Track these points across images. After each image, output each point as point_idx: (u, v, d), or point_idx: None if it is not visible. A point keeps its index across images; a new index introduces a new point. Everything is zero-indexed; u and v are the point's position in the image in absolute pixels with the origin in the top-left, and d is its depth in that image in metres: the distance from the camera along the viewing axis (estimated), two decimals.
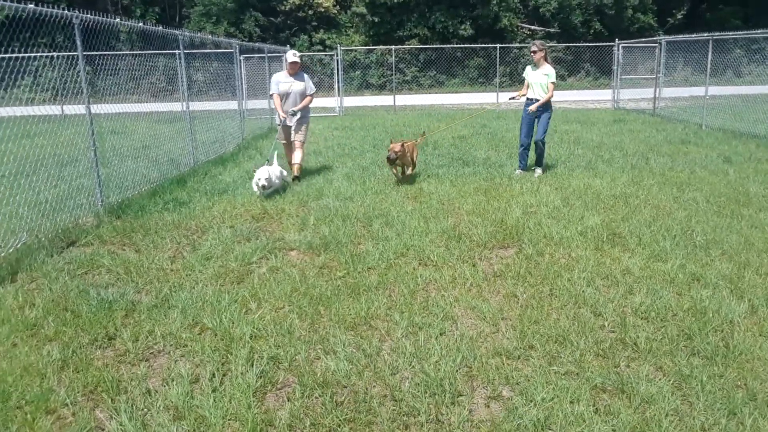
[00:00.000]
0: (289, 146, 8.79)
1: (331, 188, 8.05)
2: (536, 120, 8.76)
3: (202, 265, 5.13)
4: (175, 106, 11.97)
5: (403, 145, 8.21)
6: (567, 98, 23.30)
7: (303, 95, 8.56)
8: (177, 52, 9.97)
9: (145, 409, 3.03)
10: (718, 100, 16.75)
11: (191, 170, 9.65)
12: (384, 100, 24.13)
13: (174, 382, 3.25)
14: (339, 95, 20.29)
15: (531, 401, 3.01)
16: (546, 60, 8.68)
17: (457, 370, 3.32)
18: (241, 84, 14.94)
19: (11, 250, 5.39)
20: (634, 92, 21.40)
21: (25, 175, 8.67)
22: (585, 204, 6.94)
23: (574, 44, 27.35)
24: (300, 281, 4.69)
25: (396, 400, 3.07)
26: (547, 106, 8.68)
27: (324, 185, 8.26)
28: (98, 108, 7.80)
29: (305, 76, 8.64)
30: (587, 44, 26.93)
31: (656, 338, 3.67)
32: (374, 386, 3.22)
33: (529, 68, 8.83)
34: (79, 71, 6.74)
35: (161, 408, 3.03)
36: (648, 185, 7.96)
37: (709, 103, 15.31)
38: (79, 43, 6.57)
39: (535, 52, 8.64)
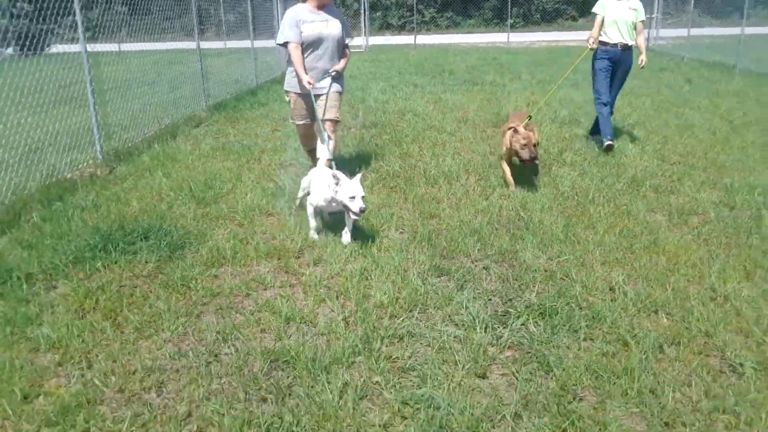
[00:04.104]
0: (309, 129, 5.60)
1: (370, 97, 10.60)
2: (613, 71, 6.76)
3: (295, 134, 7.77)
4: (244, 43, 14.22)
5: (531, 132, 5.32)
6: (576, 38, 25.29)
7: (341, 44, 5.36)
8: None
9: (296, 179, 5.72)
10: (711, 39, 18.68)
11: (257, 87, 12.24)
12: (404, 39, 26.29)
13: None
14: (365, 34, 22.53)
15: (501, 182, 5.65)
16: None
17: (459, 168, 5.97)
18: (278, 23, 17.36)
19: (163, 126, 8.07)
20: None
21: (127, 89, 11.27)
22: (562, 105, 9.45)
23: None
24: (359, 141, 7.32)
25: (426, 178, 5.73)
26: (631, 58, 6.72)
27: (364, 96, 10.80)
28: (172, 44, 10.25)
29: (339, 12, 5.50)
30: None
31: (576, 156, 6.28)
32: (414, 174, 5.87)
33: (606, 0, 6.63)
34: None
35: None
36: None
37: (695, 42, 17.56)
38: None
39: None
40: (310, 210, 4.38)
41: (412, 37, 24.13)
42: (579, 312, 3.32)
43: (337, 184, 4.03)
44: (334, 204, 4.17)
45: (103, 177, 5.90)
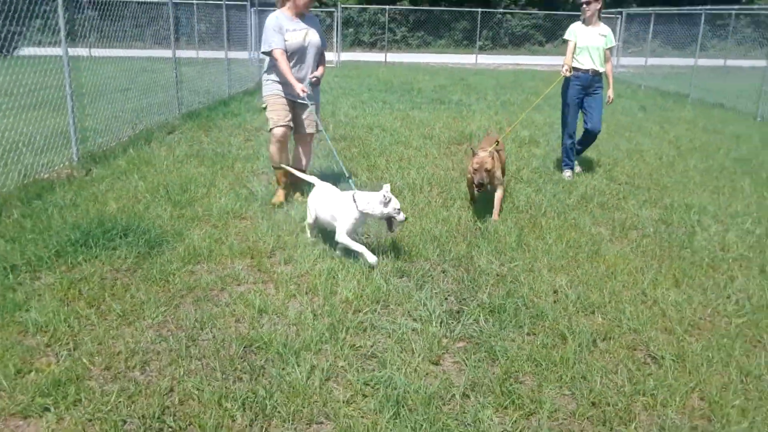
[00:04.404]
0: (287, 136, 5.60)
1: (340, 112, 10.95)
2: (582, 100, 6.81)
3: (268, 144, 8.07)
4: (217, 53, 14.51)
5: (493, 157, 5.33)
6: (542, 62, 26.14)
7: (319, 52, 5.48)
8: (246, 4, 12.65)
9: (269, 186, 6.00)
10: (668, 69, 19.56)
11: (229, 98, 12.49)
12: (375, 56, 26.80)
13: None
14: (337, 50, 22.95)
15: (461, 195, 6.04)
16: (599, 17, 6.70)
17: (423, 181, 6.34)
18: (252, 34, 17.66)
19: (137, 131, 8.27)
20: None
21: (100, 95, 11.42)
22: (523, 126, 9.95)
23: (553, 12, 30.11)
24: (328, 153, 7.64)
25: (392, 189, 6.06)
26: (601, 83, 6.80)
27: (334, 110, 11.15)
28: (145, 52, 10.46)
29: (316, 19, 5.57)
30: (565, 13, 29.73)
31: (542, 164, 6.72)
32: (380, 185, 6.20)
33: (577, 26, 6.69)
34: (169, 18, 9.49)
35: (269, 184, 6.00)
36: None
37: (653, 71, 18.47)
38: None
39: (588, 3, 6.52)
40: (348, 241, 4.26)
41: (383, 54, 24.66)
42: (525, 310, 3.69)
43: (387, 202, 4.23)
44: (362, 221, 4.39)
45: (80, 178, 6.10)
